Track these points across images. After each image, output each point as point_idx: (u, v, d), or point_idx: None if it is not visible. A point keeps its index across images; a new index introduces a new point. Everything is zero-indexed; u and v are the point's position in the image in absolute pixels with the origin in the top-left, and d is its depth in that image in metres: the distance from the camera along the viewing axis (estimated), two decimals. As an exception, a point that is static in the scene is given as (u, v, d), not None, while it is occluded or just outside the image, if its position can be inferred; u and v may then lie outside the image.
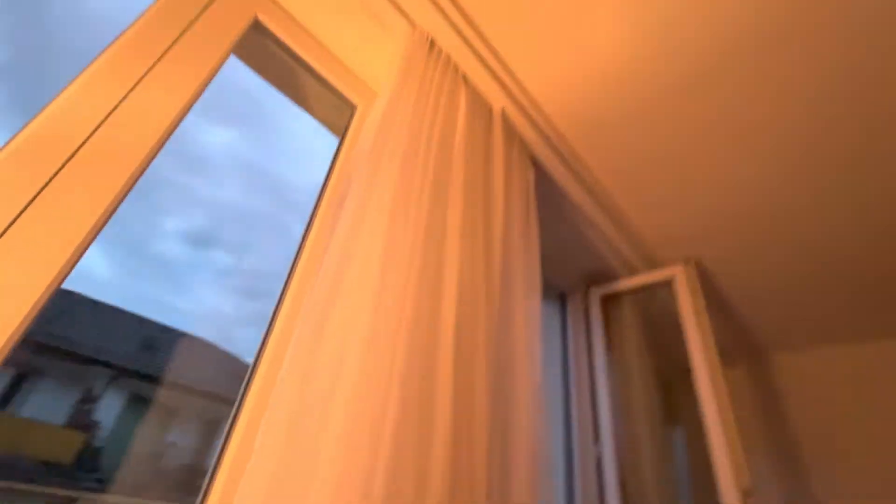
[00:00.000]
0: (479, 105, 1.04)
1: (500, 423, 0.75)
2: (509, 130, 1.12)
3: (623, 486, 1.38)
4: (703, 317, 1.46)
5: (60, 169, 0.54)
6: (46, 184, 0.52)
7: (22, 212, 0.50)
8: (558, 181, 1.29)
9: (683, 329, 1.45)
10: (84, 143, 0.56)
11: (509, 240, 0.97)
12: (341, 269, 0.63)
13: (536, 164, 1.22)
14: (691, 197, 1.39)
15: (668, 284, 1.56)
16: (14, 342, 0.47)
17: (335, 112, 1.08)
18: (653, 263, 1.64)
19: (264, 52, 0.93)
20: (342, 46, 0.99)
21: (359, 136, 0.97)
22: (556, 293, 1.75)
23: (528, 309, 0.94)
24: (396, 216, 0.71)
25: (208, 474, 0.62)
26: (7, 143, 0.51)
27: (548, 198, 1.32)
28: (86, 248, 0.54)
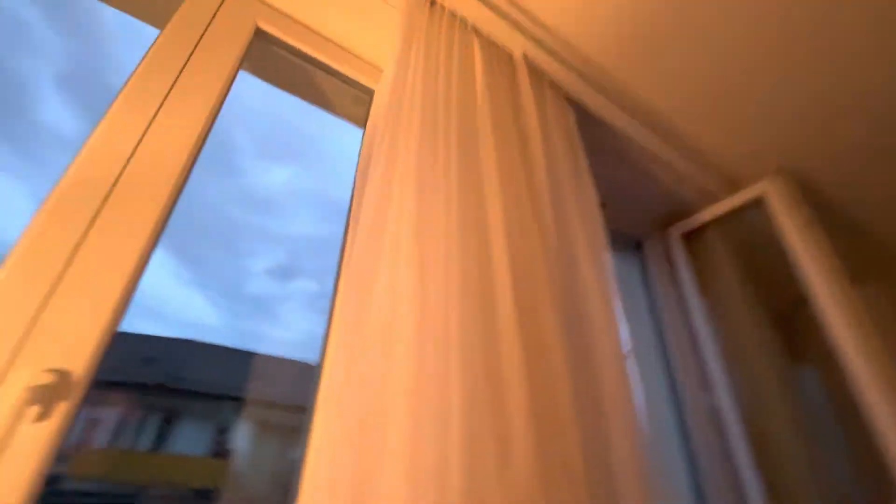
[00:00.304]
0: (497, 54, 0.97)
1: (590, 399, 0.67)
2: (536, 74, 1.03)
3: (750, 437, 1.22)
4: (812, 230, 1.25)
5: (104, 204, 0.57)
6: (93, 220, 0.56)
7: (79, 245, 0.53)
8: (605, 118, 1.17)
9: (789, 250, 1.25)
10: (117, 180, 0.60)
11: (559, 191, 0.89)
12: (372, 257, 0.59)
13: (576, 105, 1.12)
14: (771, 102, 1.19)
15: (759, 204, 1.36)
16: (94, 367, 0.50)
17: (357, 104, 1.07)
18: (736, 185, 1.44)
19: (273, 59, 0.94)
20: (344, 33, 0.98)
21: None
22: (631, 242, 1.60)
23: (597, 263, 0.85)
24: (424, 189, 0.66)
25: (297, 478, 0.63)
26: (51, 192, 0.56)
27: (597, 139, 1.20)
28: (140, 274, 0.57)
